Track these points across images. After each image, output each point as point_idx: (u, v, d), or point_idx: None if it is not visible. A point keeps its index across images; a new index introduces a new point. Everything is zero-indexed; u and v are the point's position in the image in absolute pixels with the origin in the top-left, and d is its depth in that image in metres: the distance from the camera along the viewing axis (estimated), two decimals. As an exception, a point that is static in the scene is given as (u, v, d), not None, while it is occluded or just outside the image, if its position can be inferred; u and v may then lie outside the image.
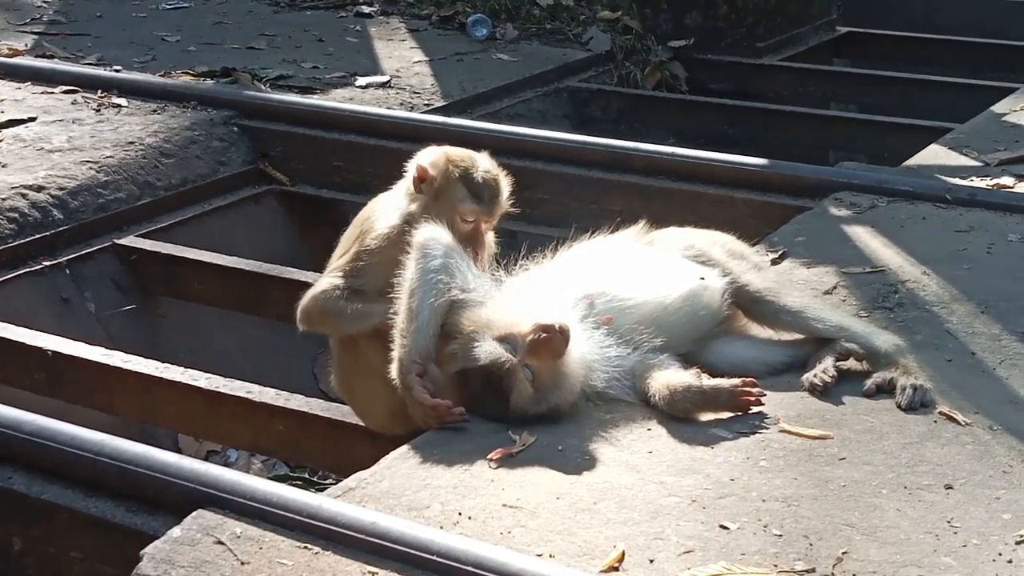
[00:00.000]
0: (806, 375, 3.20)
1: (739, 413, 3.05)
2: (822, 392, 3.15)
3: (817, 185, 4.69)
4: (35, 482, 2.98)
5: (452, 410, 3.01)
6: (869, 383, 3.18)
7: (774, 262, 3.99)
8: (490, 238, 3.39)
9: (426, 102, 6.39)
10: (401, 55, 7.17)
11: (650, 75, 7.53)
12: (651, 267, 3.35)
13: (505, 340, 2.99)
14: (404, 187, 3.34)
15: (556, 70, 7.17)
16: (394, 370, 3.07)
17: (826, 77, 7.59)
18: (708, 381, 3.06)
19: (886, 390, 3.16)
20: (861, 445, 2.94)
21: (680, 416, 3.05)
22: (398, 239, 3.23)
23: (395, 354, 3.08)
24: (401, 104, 6.30)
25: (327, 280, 3.33)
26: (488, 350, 2.97)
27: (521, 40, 7.61)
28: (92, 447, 2.88)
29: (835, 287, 3.80)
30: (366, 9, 8.11)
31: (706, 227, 4.61)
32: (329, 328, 3.40)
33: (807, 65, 7.63)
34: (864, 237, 4.20)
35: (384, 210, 3.35)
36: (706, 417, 3.05)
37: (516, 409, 3.01)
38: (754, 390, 3.05)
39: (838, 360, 3.24)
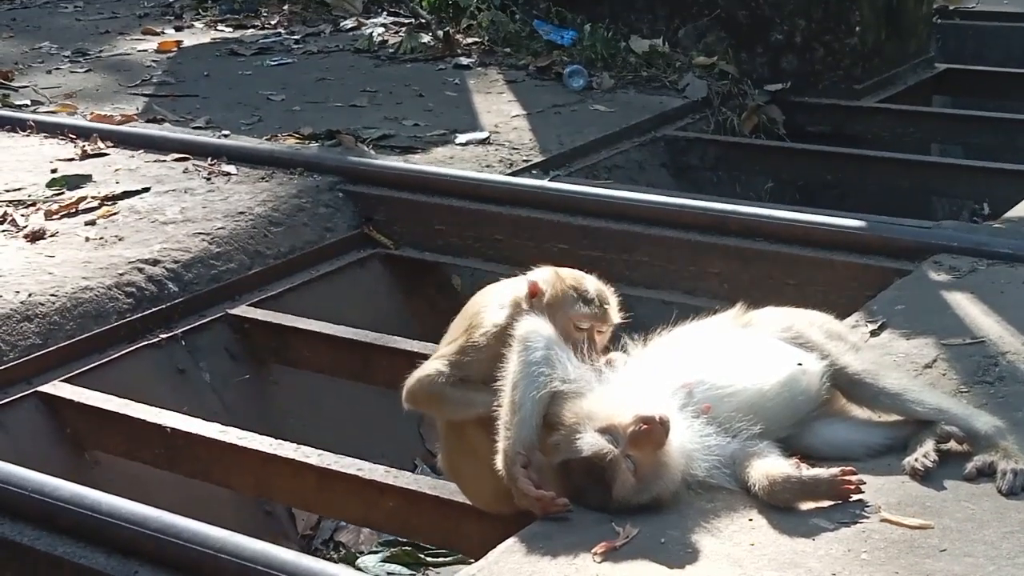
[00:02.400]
0: (907, 459, 3.23)
1: (839, 501, 3.09)
2: (923, 476, 3.18)
3: (916, 248, 4.70)
4: (160, 577, 3.13)
5: (556, 501, 3.11)
6: (970, 467, 3.19)
7: (873, 334, 4.02)
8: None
9: (525, 158, 6.49)
10: (499, 109, 7.28)
11: (747, 119, 7.58)
12: (749, 353, 3.39)
13: (607, 432, 3.07)
14: (513, 291, 3.42)
15: (653, 119, 7.23)
16: (499, 461, 3.17)
17: (926, 118, 7.58)
18: (807, 471, 3.10)
19: (987, 474, 3.17)
20: (962, 535, 2.96)
21: (780, 506, 3.10)
22: (503, 336, 3.33)
23: (500, 445, 3.18)
24: (500, 161, 6.41)
25: (433, 365, 3.43)
26: (590, 442, 3.06)
27: (617, 89, 7.68)
28: (214, 544, 3.02)
29: (935, 360, 3.82)
30: (464, 61, 8.24)
31: (806, 290, 4.72)
32: (434, 411, 3.53)
33: (906, 107, 7.61)
34: (964, 304, 4.21)
35: (491, 307, 3.44)
36: (807, 506, 3.10)
37: (619, 500, 3.09)
38: (853, 478, 3.09)
39: (939, 443, 3.25)
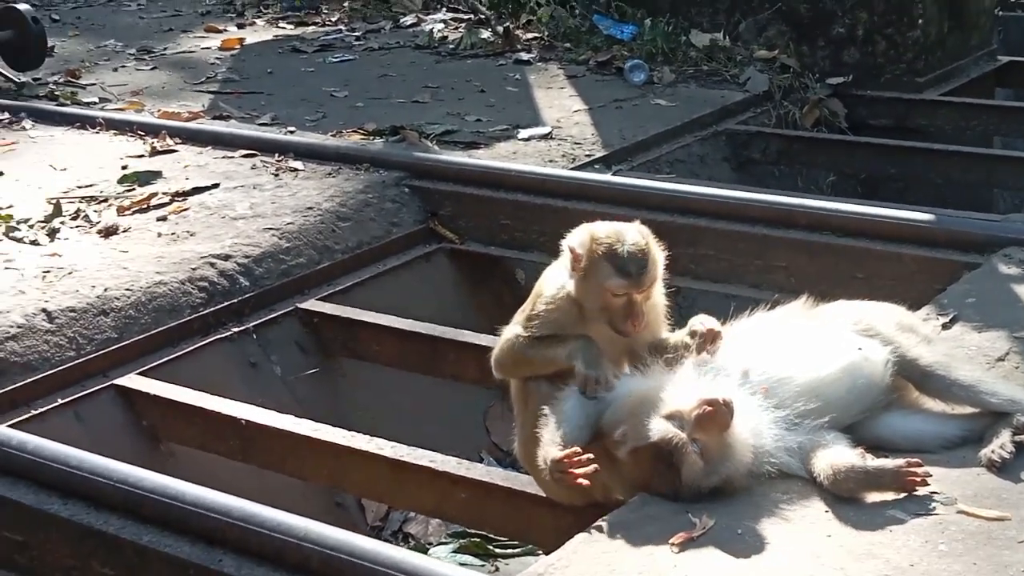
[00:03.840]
0: (983, 451, 3.23)
1: (904, 494, 3.10)
2: (1000, 468, 3.19)
3: (985, 241, 4.69)
4: (244, 565, 3.18)
5: (583, 458, 3.10)
6: (1044, 454, 3.21)
7: (945, 327, 4.02)
8: (659, 296, 3.47)
9: (587, 153, 6.52)
10: (561, 104, 7.32)
11: (809, 113, 7.56)
12: (810, 340, 3.41)
13: (672, 417, 3.11)
14: (564, 262, 3.45)
15: (714, 113, 7.23)
16: (539, 457, 3.23)
17: (989, 111, 7.51)
18: (872, 461, 3.12)
19: (1063, 460, 3.20)
20: (1040, 527, 2.97)
21: (845, 496, 3.11)
22: (563, 305, 3.37)
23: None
24: (563, 156, 6.44)
25: (511, 330, 3.49)
26: (657, 427, 3.09)
27: (678, 83, 7.69)
28: (297, 533, 3.08)
29: (1007, 353, 3.82)
30: (524, 56, 8.28)
31: (873, 283, 4.72)
32: (522, 370, 3.50)
33: (969, 100, 7.56)
34: (1035, 298, 4.21)
35: (550, 281, 3.47)
36: (872, 498, 3.11)
37: (688, 483, 3.12)
38: (919, 470, 3.10)
39: (1015, 434, 3.26)
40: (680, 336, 3.42)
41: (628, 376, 3.34)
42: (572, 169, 6.12)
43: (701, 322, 3.39)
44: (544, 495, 3.65)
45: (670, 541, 2.99)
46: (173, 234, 5.39)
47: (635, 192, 5.50)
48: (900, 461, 3.11)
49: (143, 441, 4.60)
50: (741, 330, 3.49)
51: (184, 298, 5.00)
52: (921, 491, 3.10)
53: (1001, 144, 7.76)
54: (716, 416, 3.06)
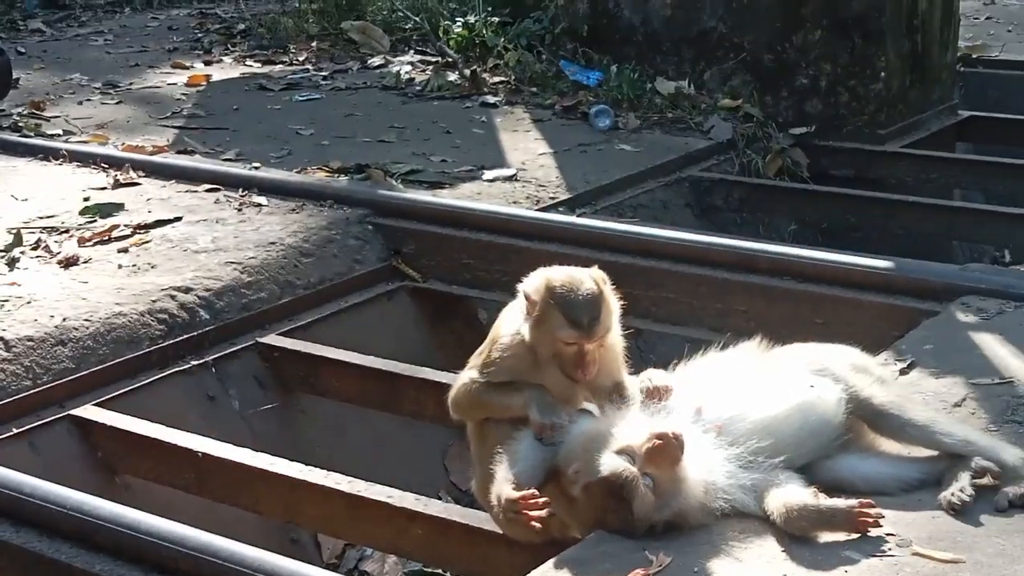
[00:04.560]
0: (943, 494, 3.24)
1: (857, 534, 3.10)
2: (959, 511, 3.20)
3: (944, 289, 4.73)
4: (197, 595, 3.16)
5: (537, 500, 3.10)
6: (1000, 498, 3.22)
7: (902, 372, 4.05)
8: (615, 340, 3.47)
9: (551, 195, 6.56)
10: (526, 147, 7.35)
11: (771, 162, 7.64)
12: (762, 378, 3.43)
13: (623, 452, 3.12)
14: (520, 305, 3.45)
15: (678, 160, 7.30)
16: (492, 494, 3.23)
17: (949, 164, 7.62)
18: (825, 501, 3.13)
19: (1018, 505, 3.20)
20: (994, 570, 2.97)
21: (797, 534, 3.12)
22: (518, 350, 3.37)
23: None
24: (527, 198, 6.47)
25: (466, 375, 3.49)
26: (607, 462, 3.10)
27: (643, 129, 7.75)
28: (251, 564, 3.06)
29: (964, 399, 3.84)
30: (491, 99, 8.32)
31: (833, 329, 4.74)
32: (477, 413, 3.50)
33: (930, 152, 7.66)
34: (992, 345, 4.24)
35: (506, 324, 3.47)
36: (825, 537, 3.11)
37: (640, 517, 3.12)
38: (872, 511, 3.10)
39: (974, 478, 3.28)
40: (634, 390, 3.43)
41: (582, 416, 3.34)
42: (536, 211, 6.14)
43: (650, 378, 3.38)
44: (501, 532, 3.63)
45: (626, 578, 2.99)
46: (134, 266, 5.37)
47: (598, 234, 5.52)
48: (853, 501, 3.12)
49: (98, 472, 4.56)
50: (695, 369, 3.50)
51: (143, 330, 4.98)
52: (876, 532, 3.11)
53: (960, 196, 7.86)
54: (666, 449, 3.07)
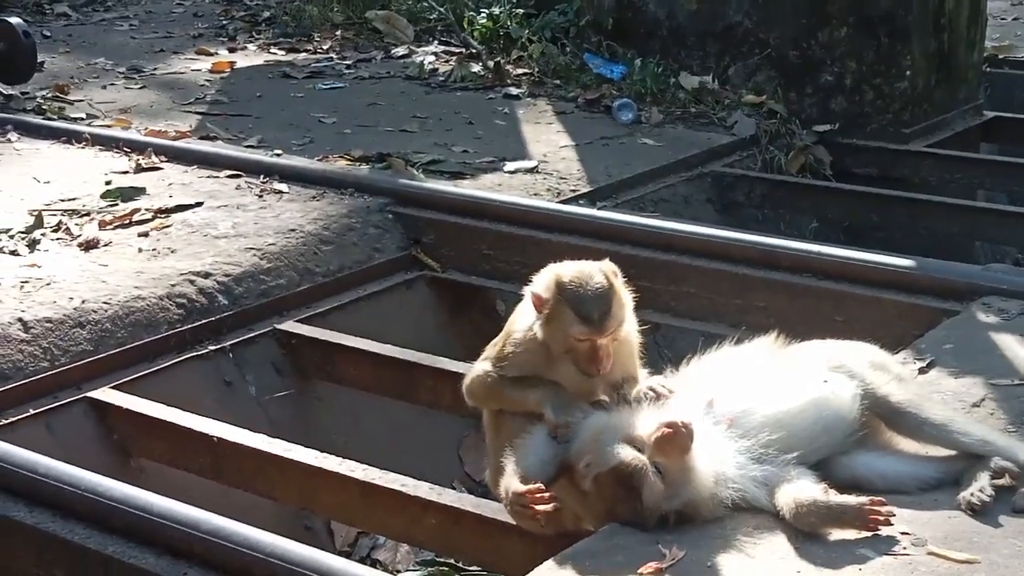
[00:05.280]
0: (962, 494, 3.22)
1: (867, 532, 3.08)
2: (979, 511, 3.18)
3: (965, 289, 4.70)
4: (209, 579, 3.16)
5: (544, 494, 3.10)
6: (1018, 499, 3.20)
7: (922, 371, 4.02)
8: (629, 334, 3.45)
9: (572, 188, 6.54)
10: (548, 139, 7.34)
11: (794, 159, 7.60)
12: (777, 373, 3.42)
13: (632, 442, 3.12)
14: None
15: (700, 155, 7.27)
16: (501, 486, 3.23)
17: (973, 165, 7.57)
18: (835, 497, 3.11)
19: (1035, 506, 3.20)
20: (1009, 571, 2.96)
21: (806, 530, 3.10)
22: (531, 346, 3.36)
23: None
24: (548, 190, 6.45)
25: (481, 365, 3.49)
26: (617, 452, 3.10)
27: (666, 124, 7.73)
28: (264, 549, 3.06)
29: (983, 399, 3.82)
30: (514, 91, 8.31)
31: (853, 327, 4.72)
32: (492, 403, 3.51)
33: (954, 152, 7.61)
34: (1013, 346, 4.21)
35: (520, 319, 3.46)
36: (835, 535, 3.09)
37: (650, 506, 3.11)
38: (882, 509, 3.08)
39: (994, 478, 3.25)
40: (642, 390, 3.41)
41: (595, 411, 3.33)
42: (557, 203, 6.12)
43: (652, 388, 3.35)
44: (514, 523, 3.62)
45: (639, 571, 2.97)
46: (154, 250, 5.38)
47: (618, 227, 5.51)
48: (864, 499, 3.10)
49: (113, 455, 4.56)
50: (709, 363, 3.49)
51: (162, 314, 4.98)
52: (892, 531, 3.09)
53: (984, 197, 7.80)
54: (676, 438, 3.07)
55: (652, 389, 3.32)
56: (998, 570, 2.96)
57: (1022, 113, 8.53)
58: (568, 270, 3.29)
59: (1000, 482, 3.24)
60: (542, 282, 3.31)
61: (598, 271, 3.28)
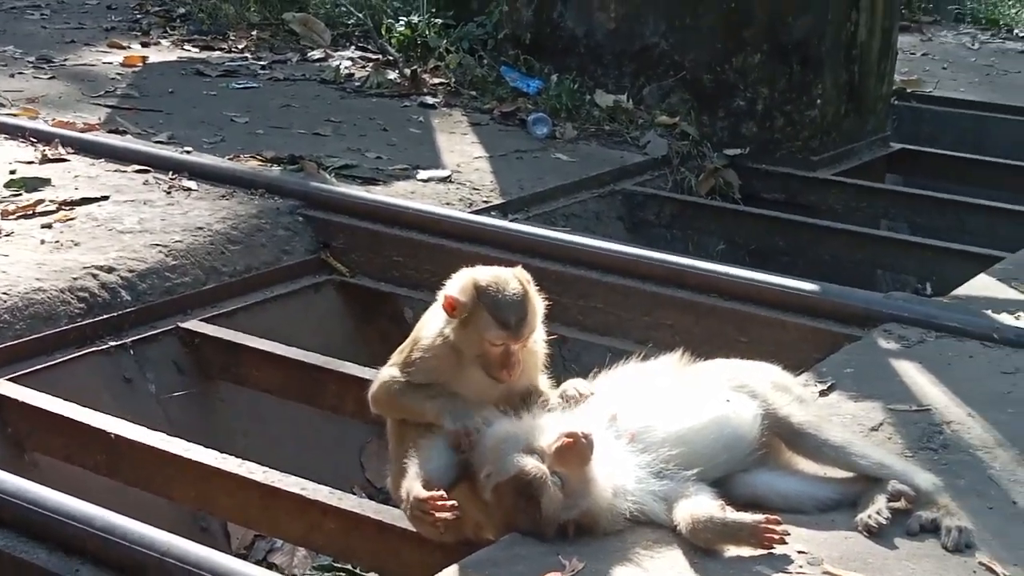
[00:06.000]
0: (860, 515, 3.27)
1: (761, 550, 3.11)
2: (876, 533, 3.22)
3: (867, 315, 4.78)
4: (102, 576, 3.11)
5: (445, 502, 3.09)
6: (912, 522, 3.25)
7: (822, 394, 4.08)
8: (537, 344, 3.46)
9: (485, 199, 6.54)
10: (462, 149, 7.34)
11: (704, 181, 7.69)
12: (680, 390, 3.45)
13: (533, 452, 3.13)
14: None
15: (612, 172, 7.34)
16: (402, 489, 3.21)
17: (878, 194, 7.73)
18: (731, 514, 3.14)
19: (929, 529, 3.24)
20: (902, 592, 3.01)
21: (702, 546, 3.13)
22: (440, 351, 3.34)
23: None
24: (460, 200, 6.45)
25: (387, 371, 3.46)
26: (516, 461, 3.10)
27: (580, 140, 7.78)
28: (159, 548, 3.01)
29: (881, 424, 3.88)
30: (430, 100, 8.30)
31: (756, 348, 4.77)
32: (395, 412, 3.48)
33: (860, 181, 7.75)
34: (911, 373, 4.29)
35: (429, 324, 3.45)
36: (731, 552, 3.12)
37: (548, 516, 3.12)
38: (778, 528, 3.11)
39: (890, 501, 3.30)
40: (555, 396, 3.42)
41: (497, 419, 3.33)
42: (469, 213, 6.12)
43: (575, 387, 3.40)
44: (415, 530, 3.60)
45: (538, 582, 2.98)
46: (57, 242, 5.28)
47: (530, 239, 5.52)
48: (759, 517, 3.13)
49: (7, 448, 4.47)
50: (613, 377, 3.51)
51: (62, 307, 4.89)
52: (788, 550, 3.12)
53: (887, 227, 7.95)
54: (575, 448, 3.08)
55: (570, 391, 3.33)
56: (891, 591, 3.01)
57: (928, 146, 8.72)
58: (485, 275, 3.29)
59: (896, 505, 3.29)
60: (457, 285, 3.30)
61: (513, 277, 3.30)
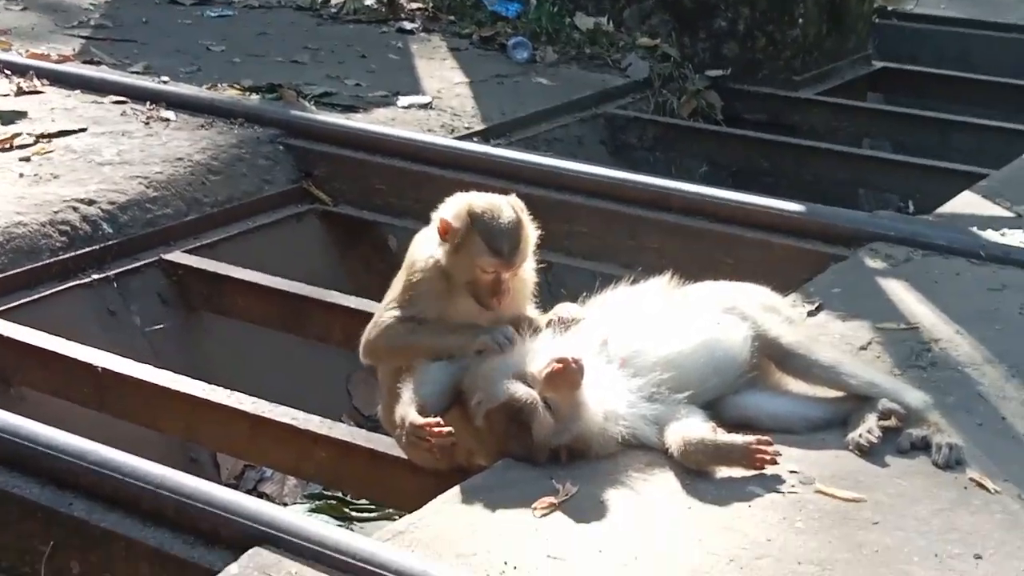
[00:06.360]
0: (851, 434, 3.28)
1: (753, 470, 3.13)
2: (867, 452, 3.24)
3: (853, 235, 4.77)
4: (96, 509, 3.10)
5: (442, 428, 3.09)
6: (903, 440, 3.27)
7: (810, 314, 4.08)
8: (528, 272, 3.45)
9: (466, 125, 6.49)
10: (442, 75, 7.27)
11: (686, 103, 7.64)
12: (671, 314, 3.45)
13: (523, 378, 3.14)
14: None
15: (594, 96, 7.28)
16: (396, 414, 3.20)
17: (860, 113, 7.70)
18: (723, 436, 3.16)
19: (920, 447, 3.27)
20: (894, 510, 3.03)
21: (693, 468, 3.15)
22: (435, 273, 3.33)
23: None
24: (442, 126, 6.40)
25: (386, 315, 3.40)
26: (506, 388, 3.11)
27: (560, 64, 7.71)
28: (153, 480, 3.00)
29: (870, 343, 3.89)
30: (408, 25, 8.20)
31: (743, 269, 4.76)
32: (396, 360, 3.42)
33: (842, 100, 7.73)
34: (899, 291, 4.29)
35: (422, 246, 3.43)
36: (722, 472, 3.14)
37: (540, 441, 3.13)
38: (769, 448, 3.13)
39: (881, 419, 3.32)
40: (543, 321, 3.41)
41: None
42: (451, 140, 6.07)
43: (567, 310, 3.40)
44: (406, 458, 3.60)
45: (533, 506, 2.99)
46: (36, 175, 5.22)
47: (513, 165, 5.48)
48: (750, 438, 3.14)
49: (-8, 383, 4.45)
50: (604, 303, 3.51)
51: (44, 241, 4.85)
52: (777, 470, 3.14)
53: (869, 145, 7.93)
54: (565, 373, 3.08)
55: (561, 314, 3.33)
56: (883, 509, 3.03)
57: (909, 64, 8.66)
58: (480, 201, 3.28)
59: (887, 423, 3.31)
60: (452, 210, 3.27)
61: (508, 205, 3.28)
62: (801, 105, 7.65)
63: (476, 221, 3.22)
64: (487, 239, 3.21)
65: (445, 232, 3.26)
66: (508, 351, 3.20)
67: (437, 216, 3.31)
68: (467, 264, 3.24)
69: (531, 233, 3.32)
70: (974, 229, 4.82)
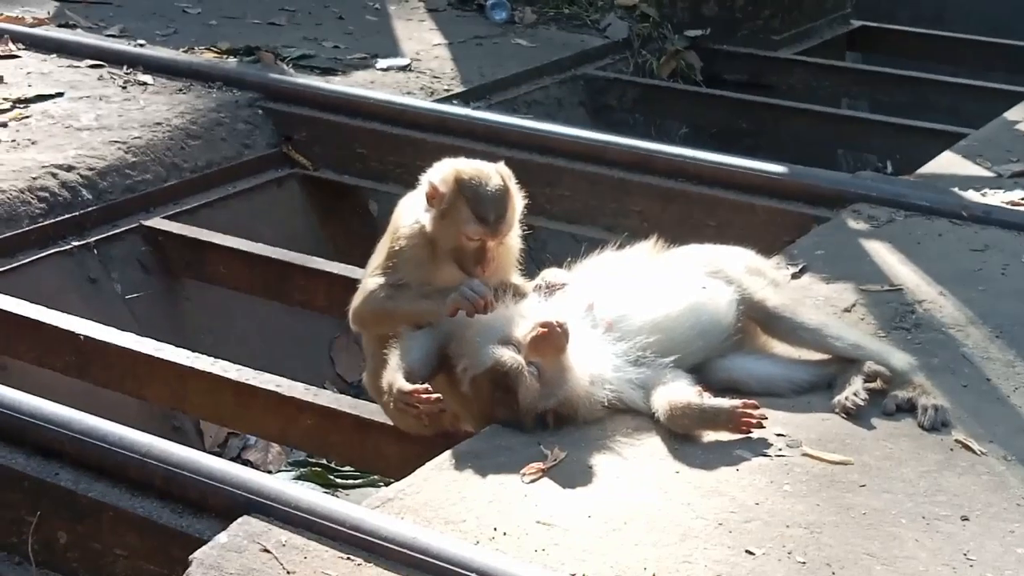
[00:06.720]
0: (837, 397, 3.29)
1: (740, 434, 3.14)
2: (853, 414, 3.25)
3: (836, 196, 4.77)
4: (83, 479, 3.09)
5: (430, 395, 3.07)
6: (888, 402, 3.29)
7: (795, 276, 4.09)
8: (513, 240, 3.44)
9: (446, 87, 6.46)
10: (421, 37, 7.22)
11: (666, 64, 7.61)
12: (656, 277, 3.44)
13: (508, 343, 3.12)
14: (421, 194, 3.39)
15: (573, 57, 7.24)
16: (383, 381, 3.19)
17: (840, 73, 7.68)
18: (709, 400, 3.16)
19: (905, 409, 3.28)
20: (881, 472, 3.04)
21: (680, 432, 3.15)
22: (419, 239, 3.31)
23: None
24: (421, 89, 6.37)
25: (371, 282, 3.38)
26: (491, 353, 3.10)
27: (539, 24, 7.68)
28: (140, 448, 2.99)
29: (854, 305, 3.90)
30: (385, -14, 8.15)
31: (726, 232, 4.77)
32: (384, 327, 3.40)
33: (821, 60, 7.72)
34: (882, 253, 4.30)
35: (407, 211, 3.41)
36: (708, 436, 3.15)
37: (526, 406, 3.13)
38: (755, 412, 3.14)
39: (867, 381, 3.33)
40: (529, 288, 3.41)
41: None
42: (431, 102, 6.04)
43: (553, 275, 3.39)
44: (392, 424, 3.60)
45: (521, 472, 2.99)
46: (13, 141, 5.18)
47: (495, 128, 5.46)
48: (736, 402, 3.15)
49: (-27, 353, 4.42)
50: (589, 267, 3.50)
51: (23, 208, 4.82)
52: (764, 433, 3.14)
53: (848, 105, 7.92)
54: (550, 338, 3.08)
55: (548, 278, 3.32)
56: (870, 471, 3.04)
57: (887, 23, 8.65)
58: (468, 167, 3.26)
59: (872, 385, 3.32)
60: (439, 175, 3.25)
61: (496, 173, 3.27)
62: (780, 65, 7.64)
63: (463, 188, 3.21)
64: (473, 207, 3.19)
65: (432, 197, 3.24)
66: (479, 301, 3.16)
67: (425, 180, 3.29)
68: (452, 231, 3.23)
69: (518, 202, 3.31)
70: (955, 189, 4.82)
